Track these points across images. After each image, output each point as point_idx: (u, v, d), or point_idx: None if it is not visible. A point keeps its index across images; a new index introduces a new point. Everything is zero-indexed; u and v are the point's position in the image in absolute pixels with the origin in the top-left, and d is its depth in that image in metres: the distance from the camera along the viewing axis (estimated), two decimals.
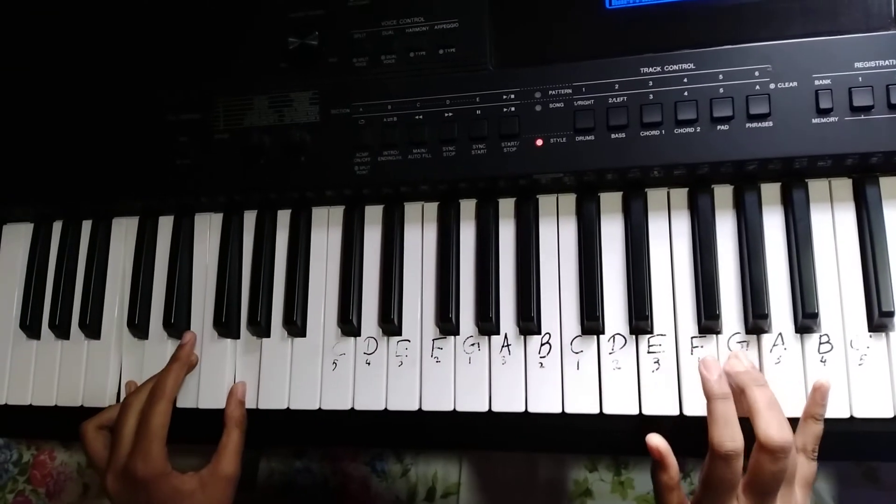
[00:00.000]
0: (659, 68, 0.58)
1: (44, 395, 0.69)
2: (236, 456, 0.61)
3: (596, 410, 0.58)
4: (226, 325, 0.65)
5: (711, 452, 0.50)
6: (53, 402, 0.68)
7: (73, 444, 0.87)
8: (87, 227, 0.72)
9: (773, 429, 0.48)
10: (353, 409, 0.62)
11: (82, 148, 0.68)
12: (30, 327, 0.70)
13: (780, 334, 0.56)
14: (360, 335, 0.64)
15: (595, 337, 0.59)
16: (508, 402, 0.59)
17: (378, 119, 0.63)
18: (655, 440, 0.53)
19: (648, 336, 0.58)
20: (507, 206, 0.64)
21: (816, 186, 0.58)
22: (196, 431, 0.64)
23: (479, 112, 0.61)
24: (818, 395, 0.52)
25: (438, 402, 0.60)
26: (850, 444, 0.55)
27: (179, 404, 0.64)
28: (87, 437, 0.62)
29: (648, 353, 0.58)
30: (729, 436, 0.49)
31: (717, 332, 0.57)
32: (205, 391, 0.65)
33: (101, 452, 0.62)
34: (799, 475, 0.51)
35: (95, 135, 0.68)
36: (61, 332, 0.69)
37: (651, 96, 0.58)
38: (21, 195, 0.70)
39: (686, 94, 0.57)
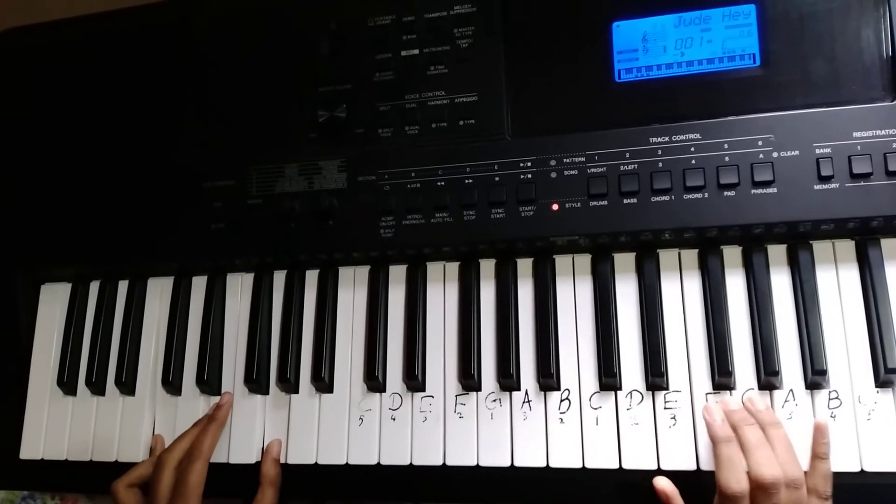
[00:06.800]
0: (667, 138, 0.62)
1: (79, 450, 0.71)
2: None
3: (615, 465, 0.60)
4: (256, 382, 0.68)
5: (719, 493, 0.53)
6: (89, 458, 0.71)
7: (97, 496, 0.89)
8: (123, 287, 0.75)
9: (763, 466, 0.51)
10: (378, 463, 0.64)
11: (122, 212, 0.72)
12: (67, 384, 0.73)
13: (791, 390, 0.58)
14: (385, 391, 0.66)
15: (613, 393, 0.61)
16: (530, 456, 0.61)
17: (402, 185, 0.66)
18: (662, 483, 0.56)
19: (665, 392, 0.60)
20: (525, 266, 0.67)
21: (821, 248, 0.61)
22: (226, 486, 0.66)
23: (497, 178, 0.64)
24: (819, 434, 0.55)
25: (462, 457, 0.62)
26: (862, 496, 0.56)
27: (211, 459, 0.66)
28: (120, 496, 0.65)
29: (665, 408, 0.60)
30: (735, 478, 0.52)
31: (731, 388, 0.60)
32: (236, 446, 0.67)
33: None
34: None
35: (135, 200, 0.72)
36: (97, 388, 0.72)
37: (660, 164, 0.61)
38: (62, 256, 0.74)
39: (693, 162, 0.61)
